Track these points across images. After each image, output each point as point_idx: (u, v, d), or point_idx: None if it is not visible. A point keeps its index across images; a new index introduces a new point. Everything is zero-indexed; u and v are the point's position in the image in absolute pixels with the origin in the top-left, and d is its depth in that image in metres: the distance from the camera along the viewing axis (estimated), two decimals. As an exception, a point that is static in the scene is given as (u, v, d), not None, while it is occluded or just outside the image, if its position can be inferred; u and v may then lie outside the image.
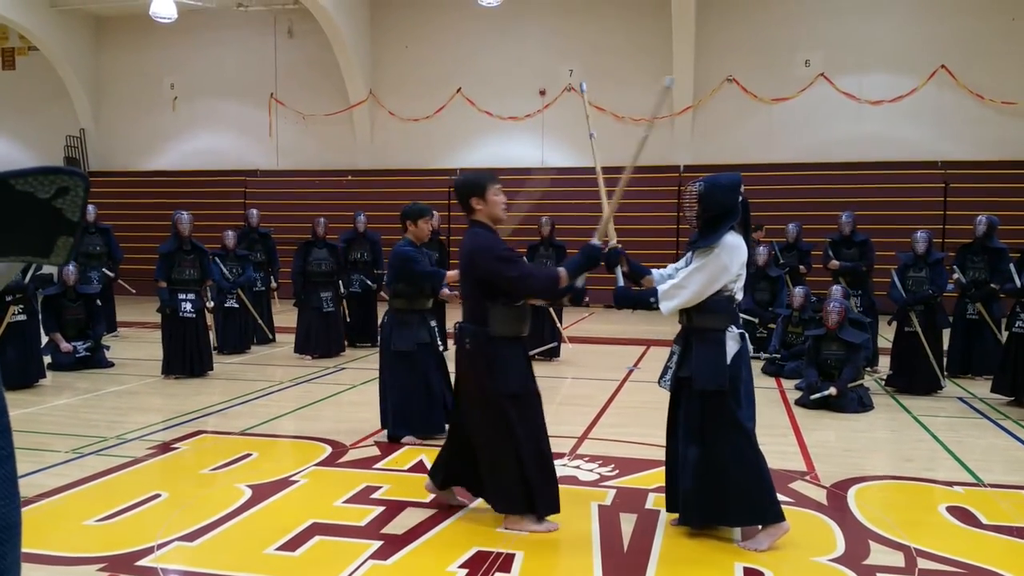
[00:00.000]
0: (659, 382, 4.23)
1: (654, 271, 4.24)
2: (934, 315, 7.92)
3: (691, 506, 3.99)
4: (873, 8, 15.85)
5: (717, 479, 3.92)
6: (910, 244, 8.11)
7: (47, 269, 10.77)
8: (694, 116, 16.73)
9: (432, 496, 4.58)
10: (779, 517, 3.97)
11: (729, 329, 3.96)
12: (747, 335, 4.11)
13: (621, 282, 4.18)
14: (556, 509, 4.17)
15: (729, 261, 3.90)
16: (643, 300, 4.06)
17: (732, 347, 3.95)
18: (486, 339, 4.09)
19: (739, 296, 4.03)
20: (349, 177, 18.03)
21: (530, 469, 4.08)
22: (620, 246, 4.16)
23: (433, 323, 6.07)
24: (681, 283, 3.93)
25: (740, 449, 3.92)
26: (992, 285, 8.45)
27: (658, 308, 3.97)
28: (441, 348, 6.13)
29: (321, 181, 18.18)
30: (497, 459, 4.13)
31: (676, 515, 4.16)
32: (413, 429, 5.92)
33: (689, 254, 4.09)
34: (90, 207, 11.59)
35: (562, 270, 4.08)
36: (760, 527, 4.00)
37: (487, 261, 4.07)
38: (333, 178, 18.15)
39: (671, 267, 4.22)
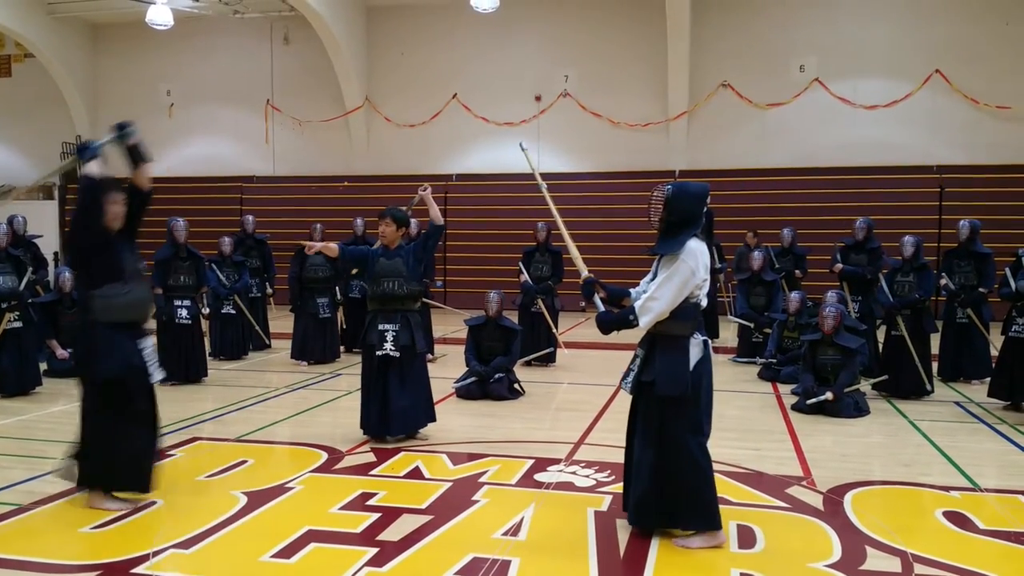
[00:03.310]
0: (621, 384, 4.25)
1: (632, 290, 4.24)
2: (921, 319, 7.94)
3: (646, 508, 4.06)
4: (867, 13, 15.91)
5: (671, 483, 3.99)
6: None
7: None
8: (689, 121, 16.77)
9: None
10: (719, 525, 4.03)
11: (693, 336, 4.01)
12: (710, 342, 4.16)
13: (602, 308, 4.21)
14: (138, 488, 4.56)
15: (695, 265, 3.93)
16: (624, 320, 4.06)
17: (695, 354, 4.00)
18: (88, 325, 4.42)
19: (704, 302, 4.06)
20: (346, 183, 18.04)
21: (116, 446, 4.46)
22: (592, 276, 4.23)
23: (384, 326, 5.96)
24: (653, 295, 3.95)
25: (694, 455, 3.98)
26: (980, 289, 8.49)
27: (638, 324, 3.98)
28: (400, 352, 6.03)
29: (318, 187, 18.19)
30: (93, 436, 4.48)
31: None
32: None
33: (658, 260, 4.10)
34: None
35: None
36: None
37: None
38: (329, 184, 18.17)
39: (643, 283, 4.22)
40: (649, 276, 4.16)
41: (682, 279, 3.91)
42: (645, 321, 3.96)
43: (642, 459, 4.06)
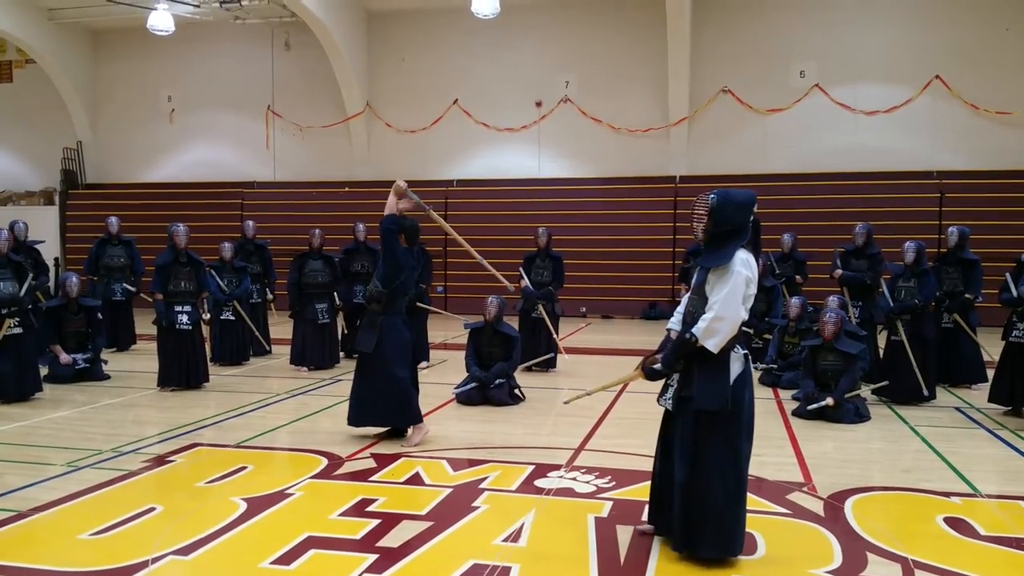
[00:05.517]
0: (659, 400, 4.07)
1: (670, 323, 4.12)
2: (921, 325, 7.92)
3: (678, 530, 3.92)
4: (867, 19, 15.93)
5: (699, 503, 3.83)
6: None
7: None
8: (689, 127, 16.78)
9: None
10: (740, 550, 3.91)
11: (735, 349, 3.85)
12: (750, 356, 4.02)
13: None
14: None
15: (750, 273, 3.79)
16: (683, 344, 3.84)
17: (736, 368, 3.84)
18: None
19: (746, 316, 3.87)
20: (347, 188, 18.06)
21: None
22: (645, 364, 4.06)
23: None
24: (719, 314, 3.73)
25: (725, 476, 3.82)
26: (967, 295, 8.52)
27: (703, 346, 3.77)
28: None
29: (318, 193, 18.21)
30: None
31: (653, 529, 4.18)
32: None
33: (701, 273, 3.95)
34: (113, 219, 11.54)
35: None
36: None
37: None
38: (330, 190, 18.19)
39: (684, 299, 4.06)
40: (691, 292, 3.99)
41: (742, 290, 3.75)
42: (716, 343, 3.75)
43: (676, 479, 3.89)
